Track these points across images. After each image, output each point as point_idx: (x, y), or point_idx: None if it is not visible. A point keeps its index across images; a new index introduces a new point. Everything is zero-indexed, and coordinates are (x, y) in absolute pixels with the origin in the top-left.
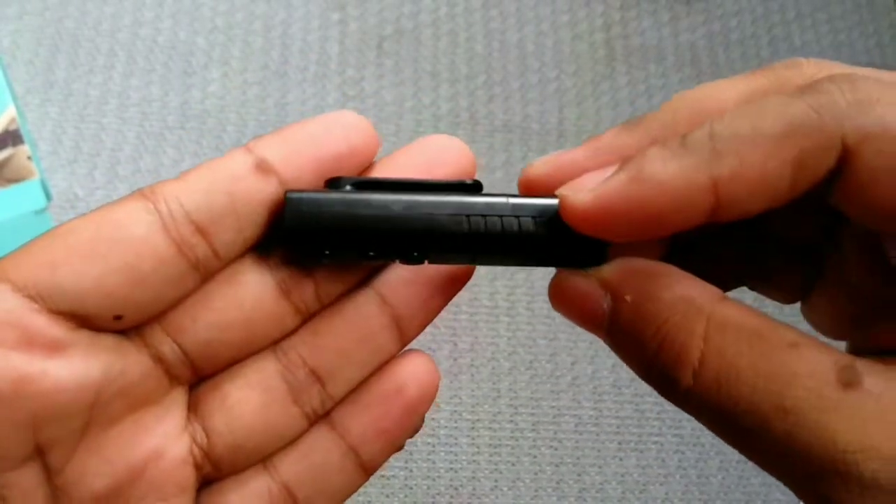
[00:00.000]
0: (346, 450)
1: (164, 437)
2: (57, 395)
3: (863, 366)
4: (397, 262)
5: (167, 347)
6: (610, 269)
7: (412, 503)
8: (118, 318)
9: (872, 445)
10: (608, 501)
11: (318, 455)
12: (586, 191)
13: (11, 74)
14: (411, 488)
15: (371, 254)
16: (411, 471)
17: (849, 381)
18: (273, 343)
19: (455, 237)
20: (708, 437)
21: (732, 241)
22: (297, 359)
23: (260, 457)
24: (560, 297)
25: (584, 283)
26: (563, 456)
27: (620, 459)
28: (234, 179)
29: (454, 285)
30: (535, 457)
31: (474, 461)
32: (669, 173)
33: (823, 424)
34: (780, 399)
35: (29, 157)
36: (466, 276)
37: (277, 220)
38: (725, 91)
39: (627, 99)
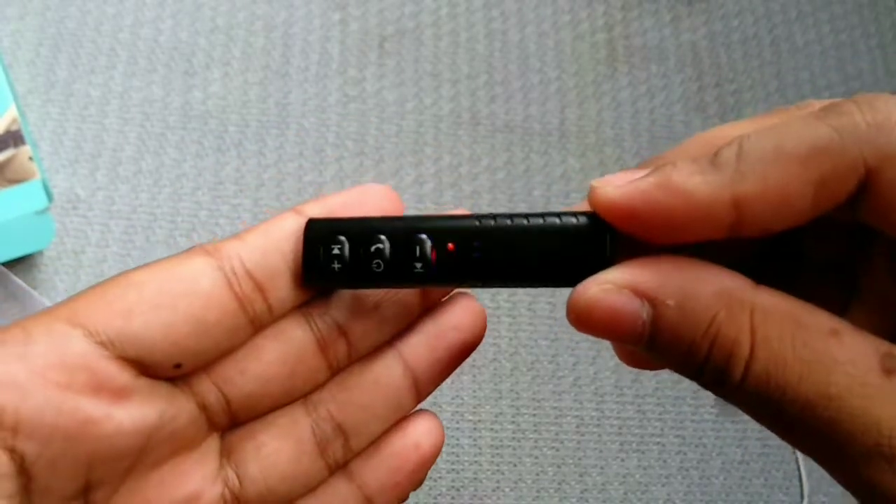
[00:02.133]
0: (362, 500)
1: (202, 481)
2: (116, 438)
3: None
4: (403, 285)
5: (213, 396)
6: (638, 274)
7: (413, 503)
8: (178, 366)
9: None
10: (610, 502)
11: None
12: (614, 186)
13: (13, 74)
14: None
15: (378, 265)
16: None
17: (891, 368)
18: (305, 395)
19: (461, 225)
20: (710, 437)
21: (765, 259)
22: (325, 413)
23: (286, 502)
24: (587, 319)
25: (617, 296)
26: (565, 457)
27: (622, 460)
28: (287, 241)
29: (465, 352)
30: (536, 458)
31: (476, 462)
32: (694, 185)
33: (867, 410)
34: (824, 386)
35: (30, 158)
36: (476, 343)
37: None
38: (740, 130)
39: (629, 99)
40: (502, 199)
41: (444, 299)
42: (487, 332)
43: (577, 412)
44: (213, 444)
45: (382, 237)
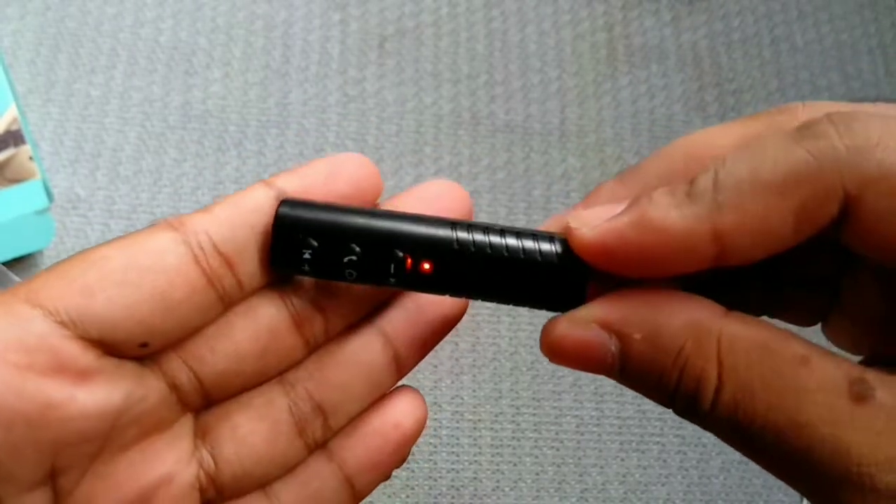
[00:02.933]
0: (342, 479)
1: (174, 463)
2: (80, 421)
3: (874, 378)
4: (369, 283)
5: (184, 376)
6: (606, 309)
7: (414, 503)
8: (144, 345)
9: (887, 457)
10: (610, 502)
11: (316, 484)
12: (591, 226)
13: (13, 74)
14: (413, 489)
15: (350, 274)
16: (413, 471)
17: (860, 395)
18: (281, 373)
19: (439, 245)
20: (710, 437)
21: (747, 278)
22: (303, 392)
23: (262, 484)
24: (559, 351)
25: (584, 331)
26: (565, 456)
27: (622, 460)
28: (257, 212)
29: (446, 327)
30: (536, 457)
31: (476, 462)
32: (671, 221)
33: (837, 438)
34: (794, 414)
35: (31, 158)
36: (457, 318)
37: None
38: (721, 137)
39: (629, 98)
40: (502, 198)
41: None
42: (487, 333)
43: (576, 412)
44: (186, 424)
45: (356, 247)
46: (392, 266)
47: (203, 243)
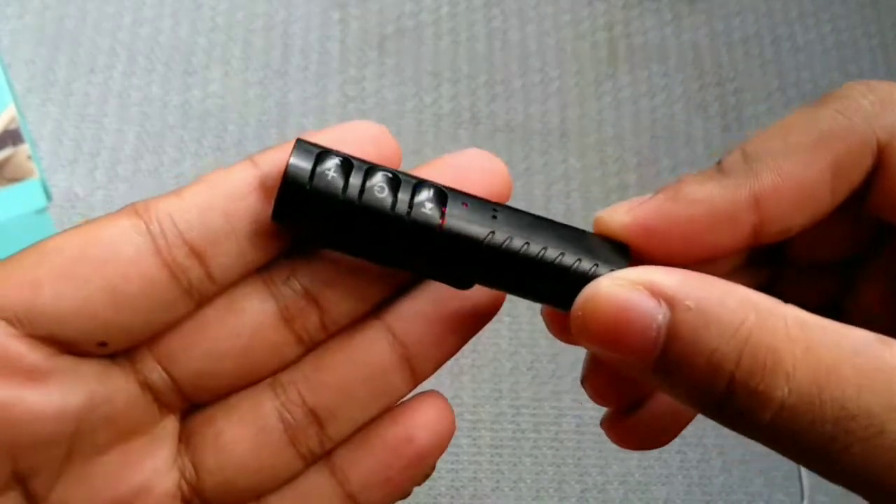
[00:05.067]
0: (344, 497)
1: (152, 472)
2: (34, 423)
3: None
4: (397, 241)
5: (156, 375)
6: (657, 273)
7: (413, 503)
8: (102, 344)
9: None
10: (610, 502)
11: (314, 500)
12: (623, 212)
13: (12, 73)
14: (405, 499)
15: (382, 188)
16: None
17: None
18: (272, 373)
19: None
20: (710, 437)
21: (748, 267)
22: (295, 396)
23: (252, 496)
24: (594, 316)
25: (630, 293)
26: (565, 457)
27: (622, 460)
28: (234, 198)
29: (475, 323)
30: (536, 457)
31: (476, 462)
32: (709, 191)
33: None
34: (890, 397)
35: (29, 157)
36: (491, 313)
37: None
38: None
39: (630, 98)
40: None
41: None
42: (487, 333)
43: (576, 412)
44: (169, 427)
45: (387, 174)
46: (427, 193)
47: (167, 231)
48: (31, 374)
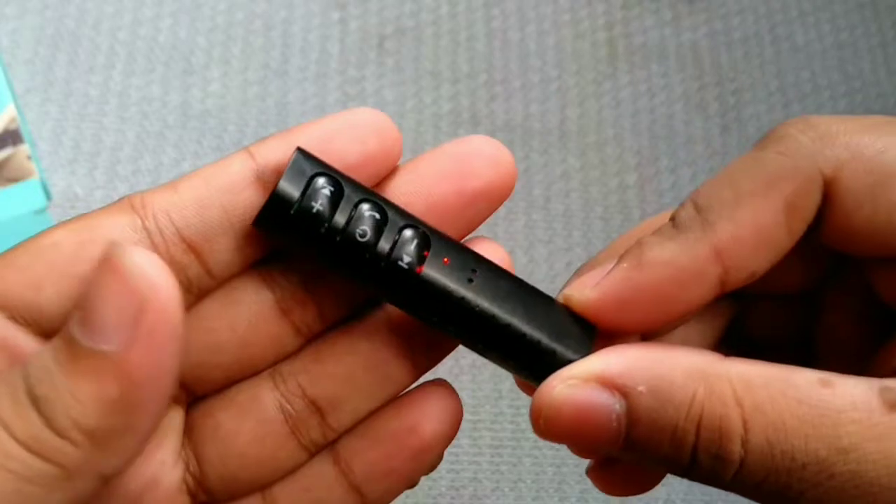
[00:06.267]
0: (348, 487)
1: (160, 465)
2: None
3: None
4: (368, 277)
5: None
6: (605, 362)
7: (413, 503)
8: None
9: None
10: (610, 502)
11: (319, 491)
12: (590, 287)
13: (11, 73)
14: (412, 489)
15: (364, 233)
16: None
17: (893, 403)
18: (271, 365)
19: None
20: None
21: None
22: (295, 387)
23: (256, 486)
24: (558, 420)
25: (584, 391)
26: (565, 457)
27: None
28: (231, 192)
29: None
30: (536, 458)
31: (475, 462)
32: (670, 253)
33: (887, 452)
34: (835, 440)
35: (29, 157)
36: None
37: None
38: (662, 221)
39: (630, 98)
40: None
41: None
42: None
43: None
44: (175, 419)
45: (375, 212)
46: (411, 243)
47: (164, 229)
48: None
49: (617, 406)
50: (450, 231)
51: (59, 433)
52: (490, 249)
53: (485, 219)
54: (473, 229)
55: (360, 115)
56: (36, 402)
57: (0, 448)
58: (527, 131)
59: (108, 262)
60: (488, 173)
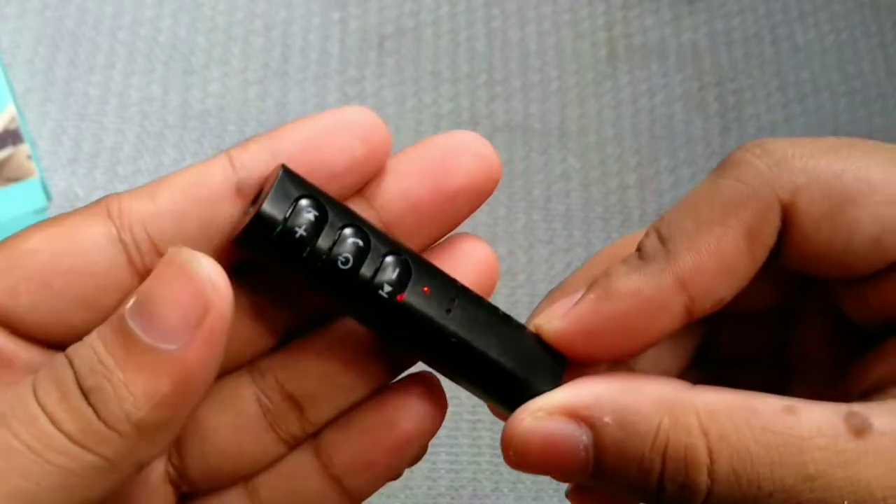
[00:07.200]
0: (328, 479)
1: None
2: None
3: (862, 408)
4: (350, 300)
5: None
6: (570, 394)
7: (413, 503)
8: None
9: None
10: None
11: (299, 482)
12: (559, 317)
13: (11, 73)
14: (411, 489)
15: (346, 260)
16: (411, 472)
17: (859, 428)
18: (249, 362)
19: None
20: None
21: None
22: (273, 383)
23: (237, 478)
24: (528, 452)
25: (551, 423)
26: None
27: None
28: (209, 204)
29: None
30: None
31: (475, 462)
32: (636, 283)
33: (853, 479)
34: (801, 467)
35: (29, 157)
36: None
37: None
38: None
39: (630, 98)
40: (502, 198)
41: (436, 244)
42: None
43: None
44: None
45: (358, 238)
46: (391, 270)
47: (140, 242)
48: (28, 370)
49: (584, 437)
50: (432, 229)
51: (109, 424)
52: (472, 246)
53: (467, 216)
54: (456, 226)
55: (347, 115)
56: (87, 393)
57: (47, 443)
58: (527, 131)
59: (174, 264)
60: (470, 170)
